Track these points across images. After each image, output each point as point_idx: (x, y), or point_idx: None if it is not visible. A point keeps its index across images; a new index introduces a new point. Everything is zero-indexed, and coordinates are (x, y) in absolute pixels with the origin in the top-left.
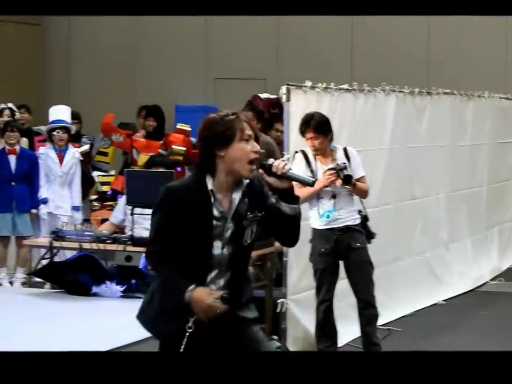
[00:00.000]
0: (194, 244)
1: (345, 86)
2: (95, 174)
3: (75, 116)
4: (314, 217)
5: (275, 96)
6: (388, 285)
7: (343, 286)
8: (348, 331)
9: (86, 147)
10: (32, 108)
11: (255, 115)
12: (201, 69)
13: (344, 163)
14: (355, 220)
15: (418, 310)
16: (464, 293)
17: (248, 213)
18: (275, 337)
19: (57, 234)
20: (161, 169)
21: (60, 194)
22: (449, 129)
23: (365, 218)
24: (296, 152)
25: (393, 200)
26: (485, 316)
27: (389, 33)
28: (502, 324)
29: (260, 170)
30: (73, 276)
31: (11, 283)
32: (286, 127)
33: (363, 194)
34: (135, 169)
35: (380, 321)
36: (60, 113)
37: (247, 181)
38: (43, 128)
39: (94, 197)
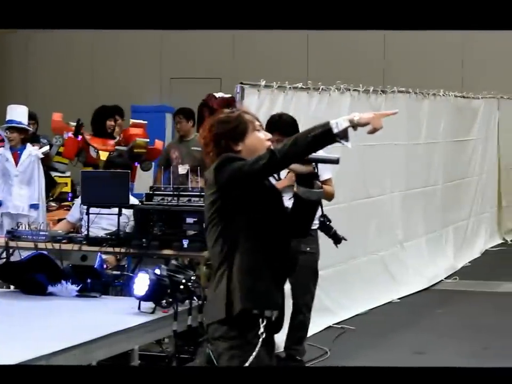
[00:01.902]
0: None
1: (300, 85)
2: (52, 174)
3: (31, 116)
4: None
5: (230, 95)
6: (342, 283)
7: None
8: None
9: (46, 147)
10: None
11: (208, 114)
12: (157, 69)
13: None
14: (313, 224)
15: (373, 309)
16: (419, 291)
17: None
18: None
19: (13, 234)
20: (118, 170)
21: (17, 194)
22: (405, 128)
23: (323, 224)
24: None
25: (348, 199)
26: (440, 314)
27: (344, 32)
28: (457, 322)
29: None
30: (29, 276)
31: None
32: None
33: (329, 196)
34: (90, 169)
35: (334, 320)
36: (13, 113)
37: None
38: (2, 132)
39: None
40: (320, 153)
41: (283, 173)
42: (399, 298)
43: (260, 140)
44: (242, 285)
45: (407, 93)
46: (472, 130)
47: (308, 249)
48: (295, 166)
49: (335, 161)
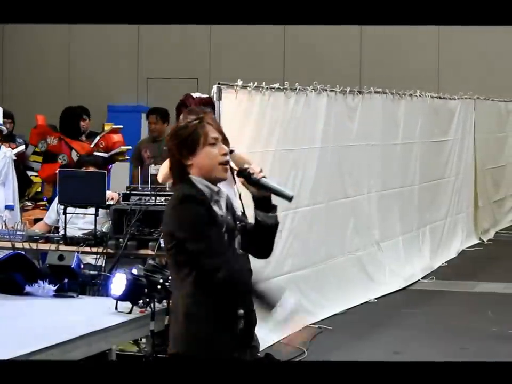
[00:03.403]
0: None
1: (277, 85)
2: (28, 173)
3: (8, 115)
4: None
5: (207, 96)
6: (319, 283)
7: (275, 284)
8: (278, 328)
9: (22, 147)
10: None
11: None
12: (134, 69)
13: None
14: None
15: (350, 308)
16: (396, 291)
17: (237, 222)
18: None
19: None
20: (91, 169)
21: None
22: (381, 128)
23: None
24: None
25: (325, 199)
26: (417, 314)
27: (321, 33)
28: (434, 322)
29: (240, 179)
30: (6, 275)
31: None
32: None
33: (246, 162)
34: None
35: (311, 320)
36: None
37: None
38: None
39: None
40: (275, 184)
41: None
42: (376, 298)
43: (211, 156)
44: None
45: (383, 93)
46: (448, 131)
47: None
48: (253, 191)
49: (288, 198)
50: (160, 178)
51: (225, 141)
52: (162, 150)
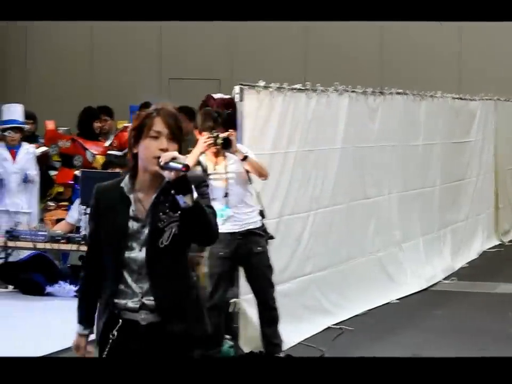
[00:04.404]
0: (110, 244)
1: (298, 86)
2: (51, 173)
3: (30, 116)
4: None
5: (229, 96)
6: (340, 284)
7: (296, 285)
8: (299, 330)
9: (44, 148)
10: None
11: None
12: (156, 69)
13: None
14: (256, 222)
15: (371, 309)
16: (417, 292)
17: (161, 214)
18: (228, 336)
19: (12, 234)
20: (117, 170)
21: (16, 192)
22: (402, 129)
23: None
24: None
25: (346, 200)
26: (438, 315)
27: (343, 34)
28: (455, 323)
29: (156, 166)
30: (27, 276)
31: None
32: (240, 127)
33: (260, 170)
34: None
35: (333, 321)
36: (13, 112)
37: (167, 179)
38: None
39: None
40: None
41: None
42: (397, 299)
43: (147, 150)
44: None
45: (404, 94)
46: (469, 132)
47: (259, 249)
48: (165, 174)
49: (182, 167)
50: None
51: (173, 139)
52: (187, 150)
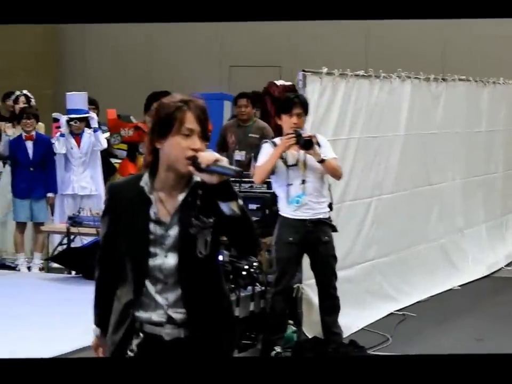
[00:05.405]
0: (130, 249)
1: (361, 72)
2: (112, 161)
3: (92, 102)
4: (282, 205)
5: (290, 83)
6: (403, 270)
7: (359, 270)
8: (363, 315)
9: (106, 134)
10: (48, 96)
11: (270, 102)
12: (217, 57)
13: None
14: (326, 213)
15: (433, 296)
16: (479, 279)
17: (193, 219)
18: (291, 321)
19: (74, 220)
20: None
21: (82, 175)
22: (465, 116)
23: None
24: (265, 141)
25: (409, 186)
26: (500, 301)
27: (404, 21)
28: None
29: (191, 167)
30: (90, 261)
31: (29, 268)
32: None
33: (335, 172)
34: None
35: (395, 307)
36: (77, 101)
37: (197, 179)
38: (62, 118)
39: None
40: (224, 165)
41: (290, 161)
42: (459, 286)
43: (179, 147)
44: None
45: (467, 81)
46: None
47: (327, 238)
48: (205, 177)
49: (233, 175)
50: (258, 179)
51: (203, 136)
52: (247, 136)
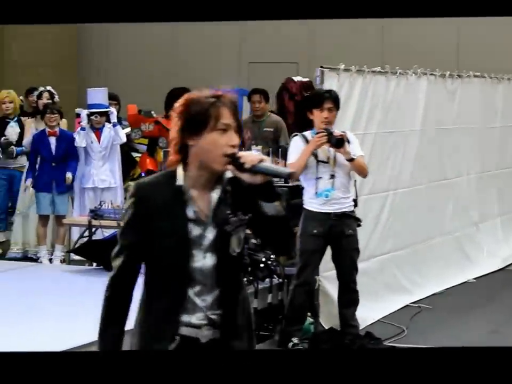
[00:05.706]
0: (169, 254)
1: (378, 69)
2: (133, 155)
3: (113, 97)
4: (309, 198)
5: (307, 79)
6: (419, 263)
7: (376, 263)
8: (379, 307)
9: (127, 129)
10: (71, 92)
11: (288, 98)
12: (236, 53)
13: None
14: (351, 206)
15: (449, 288)
16: (493, 272)
17: (231, 216)
18: (308, 313)
19: (96, 213)
20: None
21: (103, 169)
22: (480, 112)
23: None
24: (295, 135)
25: (425, 181)
26: None
27: (419, 21)
28: None
29: (230, 166)
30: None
31: (50, 260)
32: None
33: (362, 171)
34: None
35: (411, 299)
36: (98, 97)
37: (230, 175)
38: (83, 112)
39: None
40: (270, 165)
41: (321, 157)
42: (474, 278)
43: (216, 144)
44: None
45: (482, 77)
46: None
47: (351, 231)
48: (246, 177)
49: (284, 176)
50: (295, 176)
51: (238, 131)
52: (262, 131)
